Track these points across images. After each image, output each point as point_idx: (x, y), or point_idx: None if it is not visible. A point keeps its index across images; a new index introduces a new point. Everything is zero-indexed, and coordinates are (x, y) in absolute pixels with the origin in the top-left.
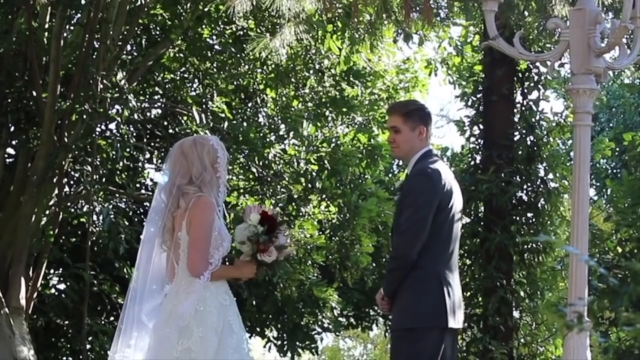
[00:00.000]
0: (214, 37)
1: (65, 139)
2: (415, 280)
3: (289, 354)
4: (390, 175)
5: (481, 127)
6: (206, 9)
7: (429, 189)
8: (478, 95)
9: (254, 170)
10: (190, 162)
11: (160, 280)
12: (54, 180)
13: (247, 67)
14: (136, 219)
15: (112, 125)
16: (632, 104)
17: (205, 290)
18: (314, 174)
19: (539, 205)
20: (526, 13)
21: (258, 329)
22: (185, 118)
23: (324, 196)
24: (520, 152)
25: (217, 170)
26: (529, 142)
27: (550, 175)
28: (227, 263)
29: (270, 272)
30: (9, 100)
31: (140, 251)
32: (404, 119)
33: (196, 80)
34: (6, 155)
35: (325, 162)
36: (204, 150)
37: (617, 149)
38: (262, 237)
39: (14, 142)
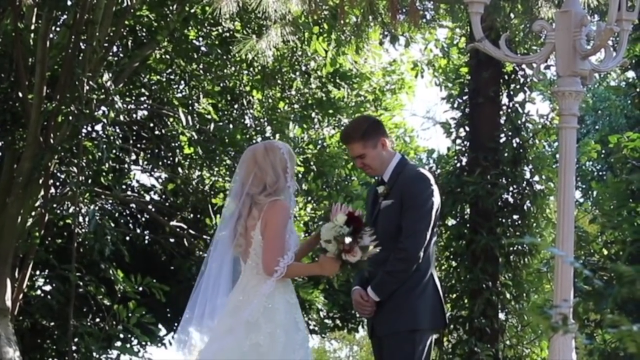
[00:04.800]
0: (200, 39)
1: (51, 140)
2: (416, 282)
3: None
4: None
5: (467, 129)
6: (192, 11)
7: (433, 194)
8: (464, 97)
9: None
10: (264, 172)
11: (227, 281)
12: (40, 181)
13: (233, 68)
14: (122, 221)
15: (98, 127)
16: (618, 107)
17: (273, 289)
18: (300, 175)
19: (525, 207)
20: (512, 15)
21: None
22: (171, 120)
23: (310, 198)
24: (506, 154)
25: (286, 179)
26: (514, 144)
27: (536, 178)
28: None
29: (353, 271)
30: None
31: (211, 252)
32: (364, 142)
33: (182, 82)
34: None
35: (312, 163)
36: (276, 157)
37: (603, 152)
38: (347, 238)
39: None
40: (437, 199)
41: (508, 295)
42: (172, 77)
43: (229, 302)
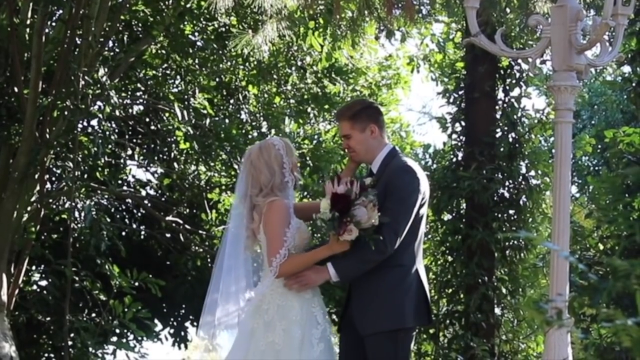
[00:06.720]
0: (196, 34)
1: (47, 136)
2: (400, 278)
3: None
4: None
5: (463, 124)
6: (188, 5)
7: (417, 188)
8: (460, 92)
9: (236, 167)
10: (259, 171)
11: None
12: (36, 176)
13: (229, 63)
14: (118, 216)
15: (94, 122)
16: (614, 102)
17: (286, 288)
18: None
19: (521, 202)
20: (508, 10)
21: None
22: (167, 114)
23: (305, 193)
24: (502, 149)
25: (284, 175)
26: (510, 139)
27: (532, 172)
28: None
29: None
30: None
31: (223, 248)
32: (352, 123)
33: (178, 77)
34: None
35: (307, 158)
36: (270, 156)
37: (599, 146)
38: (332, 224)
39: None
40: (422, 192)
41: (504, 290)
42: (167, 72)
43: (251, 303)
